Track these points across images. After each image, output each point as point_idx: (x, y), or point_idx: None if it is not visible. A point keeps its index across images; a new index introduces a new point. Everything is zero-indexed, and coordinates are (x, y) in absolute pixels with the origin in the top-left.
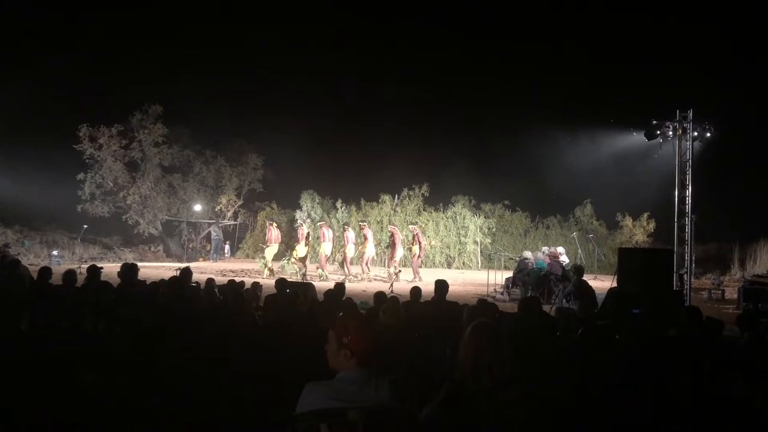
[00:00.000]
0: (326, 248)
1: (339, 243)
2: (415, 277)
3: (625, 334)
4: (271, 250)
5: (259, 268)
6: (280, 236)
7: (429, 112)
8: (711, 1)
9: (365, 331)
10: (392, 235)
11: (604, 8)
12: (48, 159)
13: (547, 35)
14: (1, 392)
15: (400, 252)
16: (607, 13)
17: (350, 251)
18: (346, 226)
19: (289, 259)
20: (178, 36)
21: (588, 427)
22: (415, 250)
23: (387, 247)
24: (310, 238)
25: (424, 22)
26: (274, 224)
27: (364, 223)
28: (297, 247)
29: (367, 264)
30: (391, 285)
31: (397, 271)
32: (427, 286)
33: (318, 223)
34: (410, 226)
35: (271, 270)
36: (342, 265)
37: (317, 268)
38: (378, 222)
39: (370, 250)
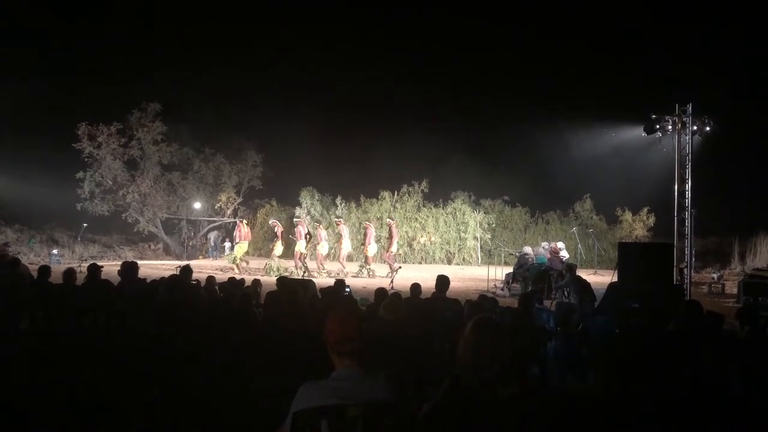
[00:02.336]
0: (301, 246)
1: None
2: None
3: (625, 328)
4: (241, 248)
5: (228, 263)
6: (249, 234)
7: (428, 108)
8: None
9: (334, 322)
10: (366, 230)
11: (604, 1)
12: (47, 158)
13: (547, 29)
14: (2, 389)
15: (373, 248)
16: (607, 6)
17: (323, 249)
18: (317, 224)
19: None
20: (176, 34)
21: (588, 420)
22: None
23: (361, 244)
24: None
25: (423, 15)
26: (245, 222)
27: (340, 220)
28: (275, 246)
29: (343, 260)
30: (392, 281)
31: (398, 267)
32: (426, 282)
33: (295, 220)
34: (387, 220)
35: (237, 266)
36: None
37: (297, 267)
38: (378, 218)
39: (345, 246)
